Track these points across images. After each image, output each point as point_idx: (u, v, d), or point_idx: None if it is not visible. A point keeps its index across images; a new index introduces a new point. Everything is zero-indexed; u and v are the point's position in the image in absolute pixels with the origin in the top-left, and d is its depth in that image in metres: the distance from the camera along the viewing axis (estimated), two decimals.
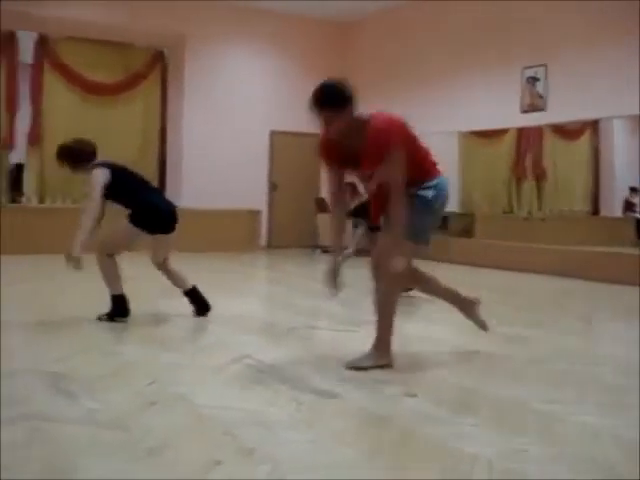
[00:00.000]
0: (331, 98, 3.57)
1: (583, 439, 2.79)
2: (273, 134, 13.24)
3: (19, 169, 11.86)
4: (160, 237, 5.22)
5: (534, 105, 10.22)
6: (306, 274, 9.38)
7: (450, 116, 10.94)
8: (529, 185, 10.88)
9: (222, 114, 12.62)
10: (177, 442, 2.63)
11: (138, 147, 12.56)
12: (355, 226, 7.40)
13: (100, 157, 5.13)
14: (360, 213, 6.70)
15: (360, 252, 7.01)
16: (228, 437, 2.70)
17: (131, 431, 2.73)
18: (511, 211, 11.15)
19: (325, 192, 10.87)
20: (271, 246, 13.00)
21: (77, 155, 5.01)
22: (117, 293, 5.09)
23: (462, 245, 10.92)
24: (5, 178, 11.66)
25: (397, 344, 3.96)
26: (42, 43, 11.95)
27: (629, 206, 11.57)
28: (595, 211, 11.66)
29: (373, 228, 6.24)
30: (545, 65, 9.99)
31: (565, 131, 10.71)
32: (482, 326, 4.43)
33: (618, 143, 11.71)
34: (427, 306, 6.35)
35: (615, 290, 7.94)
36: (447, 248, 10.93)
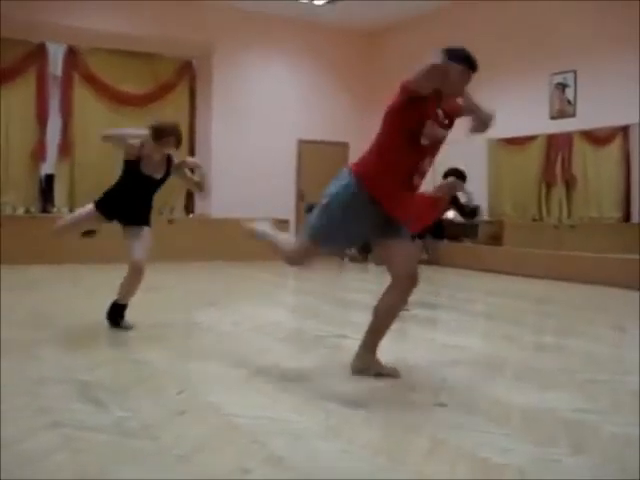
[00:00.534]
0: None
1: (615, 449, 2.75)
2: (301, 143, 13.28)
3: (50, 180, 11.99)
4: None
5: (563, 111, 10.15)
6: (334, 283, 9.37)
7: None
8: (559, 192, 10.77)
9: (250, 123, 12.69)
10: (206, 450, 2.64)
11: None
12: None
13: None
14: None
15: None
16: (257, 445, 2.70)
17: (160, 439, 2.74)
18: (540, 218, 11.05)
19: None
20: None
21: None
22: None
23: (491, 253, 10.85)
24: (36, 188, 11.83)
25: (425, 353, 3.93)
26: (71, 55, 12.12)
27: None
28: (626, 218, 11.50)
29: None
30: (574, 71, 9.91)
31: (595, 137, 10.59)
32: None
33: None
34: (453, 315, 6.32)
35: None
36: (476, 256, 10.89)
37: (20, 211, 11.35)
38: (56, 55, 12.09)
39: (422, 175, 3.78)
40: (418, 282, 3.84)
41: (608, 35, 9.41)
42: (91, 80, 12.21)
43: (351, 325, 5.69)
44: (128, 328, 5.05)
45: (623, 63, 9.22)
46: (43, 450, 2.58)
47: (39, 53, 11.86)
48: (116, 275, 5.27)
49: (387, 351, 4.13)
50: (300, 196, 13.21)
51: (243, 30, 12.58)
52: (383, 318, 3.88)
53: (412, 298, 6.61)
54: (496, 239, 11.18)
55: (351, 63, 13.69)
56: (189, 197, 13.01)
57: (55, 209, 11.67)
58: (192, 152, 13.00)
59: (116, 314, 5.10)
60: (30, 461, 2.48)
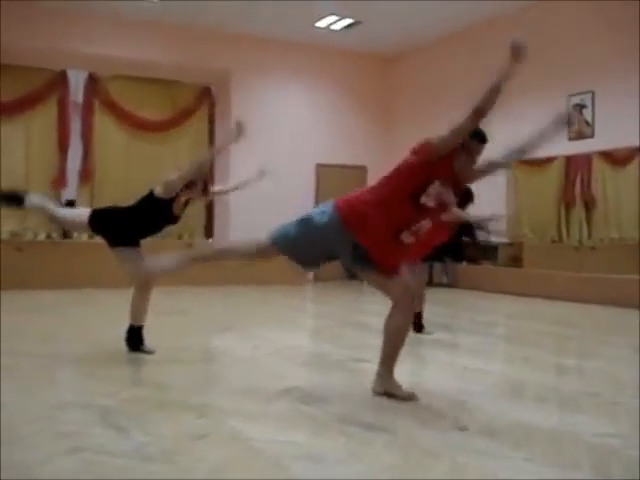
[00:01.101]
0: None
1: (638, 473, 2.71)
2: (319, 167, 13.32)
3: (71, 205, 12.09)
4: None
5: (581, 132, 10.12)
6: (353, 307, 9.35)
7: (496, 146, 10.83)
8: (578, 213, 10.71)
9: (268, 148, 12.75)
10: (227, 474, 2.64)
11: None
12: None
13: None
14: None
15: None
16: (277, 469, 2.69)
17: (180, 464, 2.74)
18: (560, 240, 10.99)
19: None
20: (318, 279, 13.00)
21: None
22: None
23: (511, 275, 10.79)
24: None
25: (446, 377, 3.91)
26: (92, 82, 12.29)
27: None
28: None
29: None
30: (592, 92, 9.90)
31: (614, 157, 10.53)
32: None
33: None
34: (473, 338, 6.28)
35: None
36: (496, 278, 10.83)
37: (41, 236, 11.47)
38: (77, 82, 12.27)
39: (415, 235, 3.81)
40: (413, 292, 3.94)
41: (625, 55, 9.40)
42: (111, 107, 12.37)
43: (371, 349, 5.65)
44: (150, 352, 5.01)
45: None
46: (63, 474, 2.59)
47: (60, 80, 12.04)
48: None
49: (408, 374, 4.12)
50: None
51: (261, 56, 12.70)
52: (394, 340, 3.91)
53: (432, 321, 6.59)
54: (516, 261, 11.13)
55: (368, 87, 13.75)
56: (209, 220, 13.09)
57: (76, 234, 11.76)
58: (211, 177, 13.08)
59: (134, 338, 5.06)
60: None
